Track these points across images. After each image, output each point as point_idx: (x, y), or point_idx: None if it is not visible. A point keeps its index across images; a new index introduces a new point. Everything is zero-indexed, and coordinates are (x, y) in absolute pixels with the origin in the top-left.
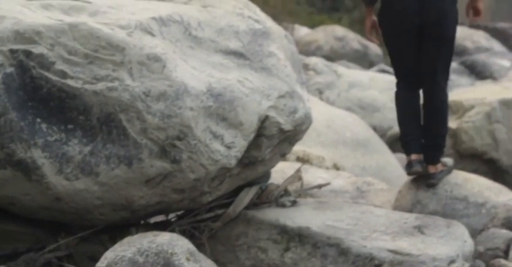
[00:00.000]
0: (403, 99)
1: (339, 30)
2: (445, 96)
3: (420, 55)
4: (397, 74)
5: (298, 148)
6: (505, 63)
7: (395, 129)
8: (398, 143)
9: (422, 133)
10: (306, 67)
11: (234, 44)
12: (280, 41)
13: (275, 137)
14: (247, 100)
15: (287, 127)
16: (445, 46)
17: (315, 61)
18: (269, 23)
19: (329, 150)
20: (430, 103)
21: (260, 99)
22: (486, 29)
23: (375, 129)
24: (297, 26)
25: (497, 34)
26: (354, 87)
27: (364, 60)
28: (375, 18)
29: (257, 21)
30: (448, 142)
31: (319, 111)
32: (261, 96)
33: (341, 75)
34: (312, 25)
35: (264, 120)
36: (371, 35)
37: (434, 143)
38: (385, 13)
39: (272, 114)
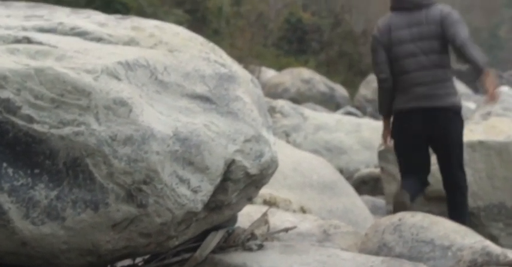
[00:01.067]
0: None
1: (306, 73)
2: (464, 182)
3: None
4: (402, 172)
5: (264, 191)
6: (470, 105)
7: (362, 171)
8: (365, 185)
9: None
10: (272, 110)
11: (200, 88)
12: (246, 85)
13: (241, 182)
14: (213, 144)
15: (253, 171)
16: (453, 149)
17: (281, 104)
18: (235, 67)
19: (296, 193)
20: (453, 199)
21: (226, 143)
22: (451, 71)
23: (341, 171)
24: (264, 68)
25: (462, 76)
26: (320, 130)
27: (330, 102)
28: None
29: (223, 65)
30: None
31: (285, 154)
32: (227, 140)
33: (307, 118)
34: (279, 67)
35: (230, 164)
36: (387, 142)
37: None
38: (396, 126)
39: (238, 158)
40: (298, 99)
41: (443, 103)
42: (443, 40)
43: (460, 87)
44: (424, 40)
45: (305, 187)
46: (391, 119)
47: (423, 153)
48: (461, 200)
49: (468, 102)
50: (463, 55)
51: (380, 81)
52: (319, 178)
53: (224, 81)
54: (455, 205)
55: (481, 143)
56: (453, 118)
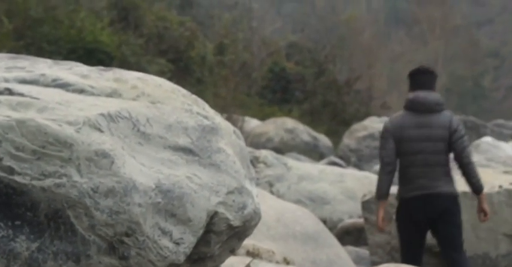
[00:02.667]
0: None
1: (289, 122)
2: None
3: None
4: (403, 257)
5: (248, 242)
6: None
7: (346, 221)
8: (348, 236)
9: None
10: (256, 160)
11: (182, 140)
12: (228, 136)
13: (224, 233)
14: (196, 196)
15: (236, 223)
16: (454, 228)
17: (265, 154)
18: (218, 118)
19: (279, 244)
20: None
21: (209, 195)
22: None
23: (325, 221)
24: (247, 118)
25: None
26: (304, 180)
27: (314, 152)
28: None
29: (206, 117)
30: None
31: (269, 204)
32: (210, 192)
33: (291, 168)
34: (263, 117)
35: (213, 216)
36: (382, 225)
37: None
38: (401, 212)
39: (221, 210)
40: (281, 148)
41: (442, 191)
42: (448, 143)
43: None
44: (431, 141)
45: (288, 238)
46: (397, 205)
47: (423, 238)
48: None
49: None
50: (468, 172)
51: (384, 164)
52: (302, 229)
53: (207, 133)
54: None
55: (465, 194)
56: (453, 204)
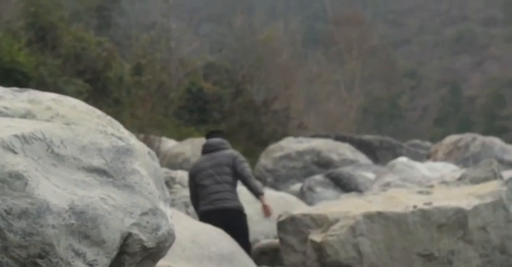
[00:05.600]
0: None
1: None
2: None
3: None
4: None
5: (162, 263)
6: (369, 175)
7: (262, 241)
8: (264, 256)
9: None
10: (172, 180)
11: (97, 161)
12: (143, 157)
13: (138, 255)
14: (110, 218)
15: (150, 244)
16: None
17: (181, 174)
18: (132, 140)
19: (194, 265)
20: None
21: (123, 216)
22: (352, 141)
23: None
24: (164, 138)
25: (362, 146)
26: None
27: None
28: None
29: (120, 138)
30: (313, 255)
31: (184, 225)
32: (124, 214)
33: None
34: (180, 137)
35: (126, 238)
36: None
37: None
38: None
39: (135, 231)
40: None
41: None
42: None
43: (360, 157)
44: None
45: (203, 258)
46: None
47: None
48: None
49: (368, 172)
50: (247, 184)
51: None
52: (217, 250)
53: (121, 154)
54: None
55: (379, 214)
56: (238, 216)
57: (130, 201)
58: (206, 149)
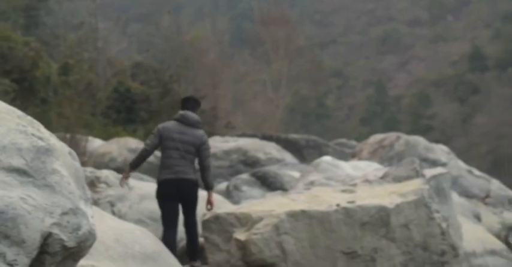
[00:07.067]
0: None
1: (132, 142)
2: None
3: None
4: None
5: (86, 262)
6: (295, 174)
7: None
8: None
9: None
10: (97, 180)
11: (16, 162)
12: (64, 157)
13: (59, 254)
14: (30, 218)
15: (71, 244)
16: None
17: (106, 174)
18: (53, 140)
19: (118, 264)
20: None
21: (43, 216)
22: (278, 140)
23: None
24: (91, 138)
25: (289, 145)
26: (145, 199)
27: (157, 172)
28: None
29: (41, 138)
30: (238, 253)
31: (108, 224)
32: (44, 213)
33: (132, 188)
34: (107, 137)
35: (47, 237)
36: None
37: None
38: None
39: (55, 231)
40: (124, 168)
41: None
42: (196, 149)
43: (286, 156)
44: (185, 144)
45: (127, 257)
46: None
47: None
48: (195, 234)
49: (293, 171)
50: (204, 173)
51: (144, 150)
52: (141, 249)
53: (41, 154)
54: (191, 238)
55: (303, 212)
56: (194, 187)
57: (51, 201)
58: (183, 121)
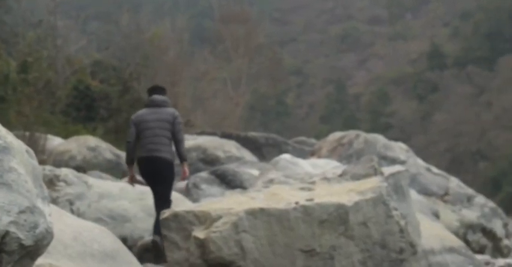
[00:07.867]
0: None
1: (92, 140)
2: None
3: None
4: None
5: (44, 261)
6: (254, 172)
7: (146, 238)
8: (148, 253)
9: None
10: (56, 178)
11: None
12: (21, 156)
13: (16, 253)
14: None
15: (28, 242)
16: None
17: (65, 172)
18: (10, 138)
19: (76, 263)
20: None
21: (0, 214)
22: (238, 138)
23: (125, 239)
24: (50, 136)
25: (248, 143)
26: (104, 198)
27: (117, 170)
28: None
29: None
30: (197, 252)
31: (66, 223)
32: (1, 212)
33: (91, 186)
34: (67, 135)
35: (4, 236)
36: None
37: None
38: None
39: (12, 229)
40: (84, 166)
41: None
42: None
43: (246, 153)
44: (159, 121)
45: (86, 256)
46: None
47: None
48: (163, 207)
49: (253, 169)
50: (178, 147)
51: (128, 142)
52: (100, 247)
53: None
54: (158, 211)
55: (262, 210)
56: (166, 164)
57: (8, 199)
58: (151, 104)
